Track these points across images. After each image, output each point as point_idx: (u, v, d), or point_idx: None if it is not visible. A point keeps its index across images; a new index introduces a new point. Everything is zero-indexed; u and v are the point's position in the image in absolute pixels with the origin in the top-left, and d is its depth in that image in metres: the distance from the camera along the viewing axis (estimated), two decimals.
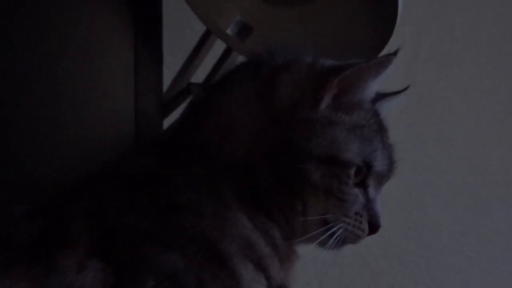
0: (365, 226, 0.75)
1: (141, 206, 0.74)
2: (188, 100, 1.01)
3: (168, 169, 0.77)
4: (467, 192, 1.45)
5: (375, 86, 0.76)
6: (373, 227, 0.75)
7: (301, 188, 0.74)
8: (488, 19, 1.42)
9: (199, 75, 1.05)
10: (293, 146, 0.73)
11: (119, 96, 0.98)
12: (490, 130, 1.44)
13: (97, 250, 0.71)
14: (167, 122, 1.01)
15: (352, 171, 0.73)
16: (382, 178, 0.77)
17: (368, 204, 0.75)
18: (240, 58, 0.98)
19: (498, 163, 1.46)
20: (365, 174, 0.74)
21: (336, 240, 0.74)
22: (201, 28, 1.03)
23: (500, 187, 1.47)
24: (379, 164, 0.75)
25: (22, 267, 0.70)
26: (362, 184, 0.74)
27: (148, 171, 0.77)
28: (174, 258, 0.71)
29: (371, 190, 0.75)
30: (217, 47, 1.03)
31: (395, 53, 0.73)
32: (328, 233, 0.73)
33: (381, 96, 0.80)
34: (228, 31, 0.96)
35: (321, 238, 0.73)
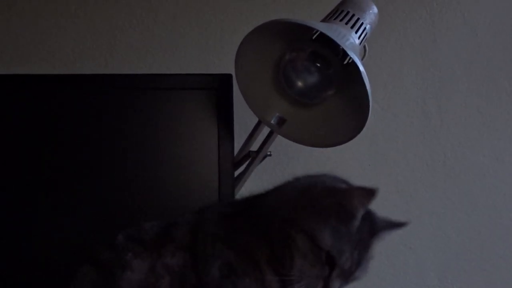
0: None
1: (218, 223, 1.03)
2: (248, 160, 1.40)
3: (234, 217, 1.04)
4: None
5: None
6: None
7: None
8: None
9: (255, 146, 1.40)
10: None
11: (209, 160, 1.35)
12: None
13: (186, 246, 1.00)
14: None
15: None
16: None
17: None
18: (278, 137, 1.35)
19: None
20: None
21: None
22: (255, 119, 1.38)
23: None
24: None
25: (145, 253, 0.99)
26: None
27: (223, 214, 1.05)
28: (230, 254, 0.98)
29: None
30: (265, 130, 1.39)
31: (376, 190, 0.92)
32: None
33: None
34: (271, 121, 1.31)
35: None
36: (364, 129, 1.24)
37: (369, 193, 0.91)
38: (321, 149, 1.39)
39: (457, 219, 1.71)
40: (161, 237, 1.03)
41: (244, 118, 1.41)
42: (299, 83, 1.31)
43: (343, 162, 1.68)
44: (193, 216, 1.05)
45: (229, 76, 1.34)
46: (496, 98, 1.75)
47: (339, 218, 0.93)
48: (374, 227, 0.97)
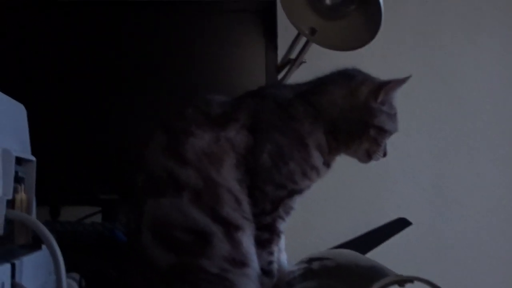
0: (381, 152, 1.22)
1: (274, 112, 1.18)
2: (288, 66, 1.70)
3: (296, 106, 1.19)
4: None
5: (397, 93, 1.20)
6: (384, 155, 1.23)
7: (361, 136, 1.19)
8: None
9: (293, 54, 1.72)
10: (364, 119, 1.19)
11: (258, 67, 1.65)
12: None
13: (248, 126, 1.16)
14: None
15: (386, 135, 1.21)
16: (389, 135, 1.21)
17: (385, 148, 1.23)
18: (312, 45, 1.64)
19: None
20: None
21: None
22: (295, 32, 1.68)
23: None
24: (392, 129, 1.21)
25: (209, 126, 1.14)
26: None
27: (280, 102, 1.20)
28: (283, 139, 1.16)
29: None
30: (302, 39, 1.68)
31: (408, 77, 1.18)
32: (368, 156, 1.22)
33: None
34: (306, 32, 1.64)
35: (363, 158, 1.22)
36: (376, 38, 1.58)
37: (400, 81, 1.20)
38: (345, 57, 1.68)
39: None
40: (227, 115, 1.17)
41: (285, 30, 1.72)
42: (327, 0, 1.65)
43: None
44: (253, 101, 1.21)
45: (273, 2, 1.67)
46: None
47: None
48: None
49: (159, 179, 1.13)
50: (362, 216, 1.95)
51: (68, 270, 1.14)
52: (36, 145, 0.99)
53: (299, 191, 1.19)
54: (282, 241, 1.22)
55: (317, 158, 1.18)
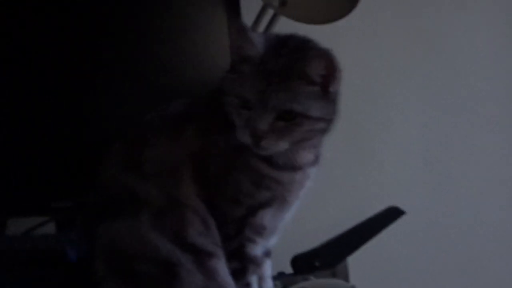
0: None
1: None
2: None
3: None
4: None
5: None
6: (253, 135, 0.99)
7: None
8: None
9: (260, 28, 1.52)
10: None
11: (220, 45, 1.49)
12: None
13: (202, 129, 1.03)
14: None
15: (235, 101, 1.03)
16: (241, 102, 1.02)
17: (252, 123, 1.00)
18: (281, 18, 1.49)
19: None
20: None
21: None
22: (260, 3, 1.50)
23: None
24: None
25: (165, 133, 1.03)
26: None
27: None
28: (221, 140, 1.02)
29: None
30: (270, 12, 1.50)
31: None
32: None
33: None
34: (275, 4, 1.47)
35: None
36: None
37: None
38: (317, 31, 1.54)
39: None
40: (183, 119, 1.05)
41: (250, 4, 1.55)
42: None
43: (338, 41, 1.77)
44: (205, 100, 1.09)
45: None
46: None
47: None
48: None
49: (114, 197, 1.01)
50: (349, 204, 1.82)
51: None
52: None
53: (262, 206, 1.00)
54: (267, 267, 1.07)
55: (261, 164, 1.00)
